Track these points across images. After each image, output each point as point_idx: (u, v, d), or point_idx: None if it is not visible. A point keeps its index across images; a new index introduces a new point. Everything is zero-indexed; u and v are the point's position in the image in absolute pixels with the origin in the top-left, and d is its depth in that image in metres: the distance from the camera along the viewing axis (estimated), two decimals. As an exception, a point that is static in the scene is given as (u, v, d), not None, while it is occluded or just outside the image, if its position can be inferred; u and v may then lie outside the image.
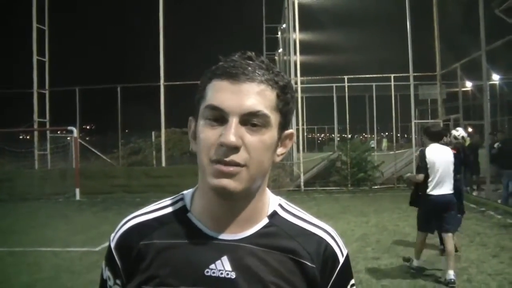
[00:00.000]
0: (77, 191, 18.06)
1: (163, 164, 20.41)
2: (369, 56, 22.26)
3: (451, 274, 6.55)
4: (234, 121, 1.04)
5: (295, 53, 20.30)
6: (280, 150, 1.15)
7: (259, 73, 1.07)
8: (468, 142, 11.31)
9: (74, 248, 9.61)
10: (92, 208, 15.37)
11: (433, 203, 6.93)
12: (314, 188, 18.96)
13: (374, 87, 23.04)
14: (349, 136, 23.54)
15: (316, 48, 23.93)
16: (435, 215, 6.97)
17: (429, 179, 6.97)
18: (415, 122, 20.74)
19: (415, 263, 7.37)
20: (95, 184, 18.56)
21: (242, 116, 1.05)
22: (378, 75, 20.98)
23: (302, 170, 19.29)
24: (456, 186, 7.46)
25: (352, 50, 23.10)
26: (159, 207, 1.20)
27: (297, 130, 20.18)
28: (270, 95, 1.08)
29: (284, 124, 1.13)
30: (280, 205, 1.21)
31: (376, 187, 18.93)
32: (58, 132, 22.66)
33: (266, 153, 1.08)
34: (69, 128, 19.53)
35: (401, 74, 20.51)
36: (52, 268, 8.12)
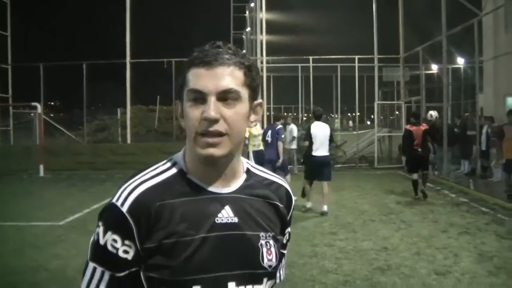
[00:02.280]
0: (41, 167, 17.95)
1: (129, 141, 20.44)
2: (335, 38, 22.51)
3: (325, 207, 10.18)
4: (212, 99, 1.29)
5: (261, 32, 20.43)
6: (252, 117, 1.41)
7: (227, 57, 1.32)
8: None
9: (38, 222, 9.68)
10: (57, 185, 15.35)
11: (315, 161, 10.35)
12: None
13: (339, 68, 23.35)
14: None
15: (283, 28, 24.09)
16: (316, 169, 10.33)
17: (313, 145, 10.29)
18: (378, 103, 21.14)
19: (308, 205, 10.53)
20: (60, 161, 18.46)
21: (218, 94, 1.29)
22: (343, 56, 21.27)
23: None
24: (426, 153, 12.05)
25: (318, 31, 23.33)
26: (159, 172, 1.40)
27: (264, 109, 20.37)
28: (239, 74, 1.33)
29: (253, 96, 1.38)
30: (248, 163, 1.51)
31: (338, 166, 19.32)
32: (21, 108, 22.39)
33: (242, 122, 1.34)
34: (33, 104, 19.32)
35: (365, 56, 20.86)
36: (15, 242, 8.21)
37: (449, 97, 18.89)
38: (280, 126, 11.96)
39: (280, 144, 11.55)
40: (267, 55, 20.33)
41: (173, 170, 1.40)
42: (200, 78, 1.30)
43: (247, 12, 31.07)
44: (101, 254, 1.33)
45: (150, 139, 21.85)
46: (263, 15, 20.28)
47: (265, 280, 1.40)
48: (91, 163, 18.50)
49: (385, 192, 13.10)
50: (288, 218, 1.53)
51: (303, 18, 23.31)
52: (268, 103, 21.87)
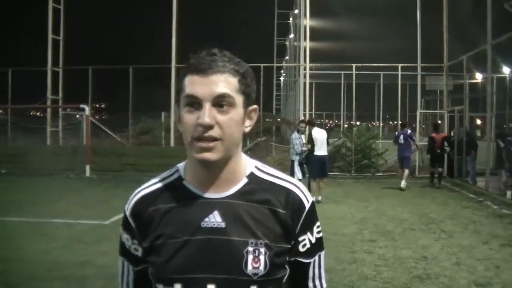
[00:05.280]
0: (88, 168, 18.52)
1: (172, 144, 20.85)
2: (378, 45, 22.42)
3: (320, 197, 12.40)
4: (207, 105, 1.33)
5: (305, 39, 20.53)
6: (247, 123, 1.44)
7: (222, 64, 1.36)
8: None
9: (85, 221, 10.07)
10: (103, 185, 15.84)
11: (317, 159, 12.54)
12: (319, 173, 19.30)
13: (381, 75, 23.26)
14: (357, 123, 23.79)
15: (327, 35, 24.09)
16: (318, 166, 12.55)
17: (315, 147, 12.49)
18: (420, 112, 20.97)
19: (319, 198, 12.33)
20: (105, 162, 18.99)
21: (213, 100, 1.33)
22: (386, 65, 21.22)
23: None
24: (443, 153, 16.48)
25: (362, 39, 23.25)
26: (160, 179, 1.52)
27: (304, 115, 20.42)
28: (233, 80, 1.37)
29: (247, 103, 1.42)
30: (256, 167, 1.51)
31: (379, 174, 19.25)
32: (68, 110, 23.07)
33: (236, 127, 1.38)
34: (81, 106, 19.94)
35: (408, 64, 20.75)
36: (65, 238, 8.60)
37: (493, 107, 18.54)
38: (410, 131, 16.40)
39: (414, 144, 16.30)
40: (310, 61, 20.42)
41: (173, 177, 1.51)
42: (195, 85, 1.34)
43: (290, 19, 31.29)
44: (123, 250, 1.53)
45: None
46: (307, 22, 20.36)
47: None
48: (135, 164, 18.93)
49: (426, 201, 13.02)
50: (298, 224, 1.46)
51: (347, 25, 23.27)
52: (310, 109, 21.91)
